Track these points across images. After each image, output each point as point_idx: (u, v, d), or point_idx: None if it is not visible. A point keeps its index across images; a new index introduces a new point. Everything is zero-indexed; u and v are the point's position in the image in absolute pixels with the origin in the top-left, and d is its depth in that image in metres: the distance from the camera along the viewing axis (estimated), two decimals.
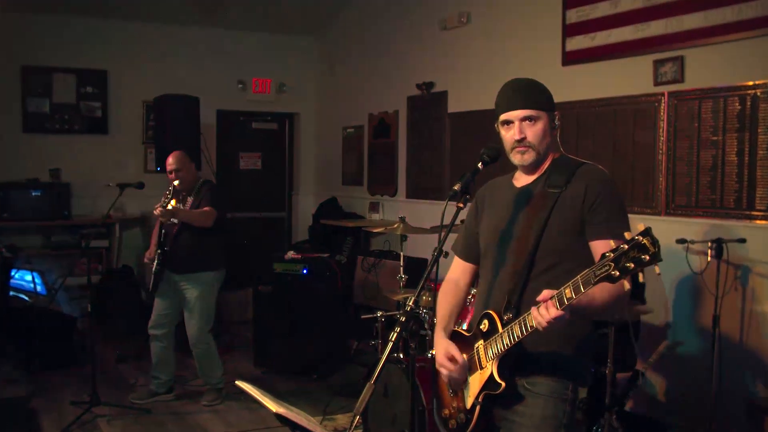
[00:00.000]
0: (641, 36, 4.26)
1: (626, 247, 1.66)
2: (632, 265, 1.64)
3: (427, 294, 4.01)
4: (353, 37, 7.31)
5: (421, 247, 5.42)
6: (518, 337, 1.98)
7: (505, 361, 2.07)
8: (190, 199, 4.65)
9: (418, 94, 6.19)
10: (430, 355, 3.65)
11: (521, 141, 2.15)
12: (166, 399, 4.77)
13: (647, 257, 1.62)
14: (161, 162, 6.24)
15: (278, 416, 1.84)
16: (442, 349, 2.21)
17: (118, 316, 6.26)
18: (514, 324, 2.00)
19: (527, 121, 2.14)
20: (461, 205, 2.09)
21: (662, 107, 4.14)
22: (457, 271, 2.44)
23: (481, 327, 2.15)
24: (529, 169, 2.21)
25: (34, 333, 5.42)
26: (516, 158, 2.18)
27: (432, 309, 3.78)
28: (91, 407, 4.37)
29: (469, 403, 2.16)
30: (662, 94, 4.15)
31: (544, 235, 2.09)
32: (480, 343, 2.14)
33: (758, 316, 3.73)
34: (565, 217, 2.09)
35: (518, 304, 2.08)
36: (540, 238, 2.09)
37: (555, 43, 4.79)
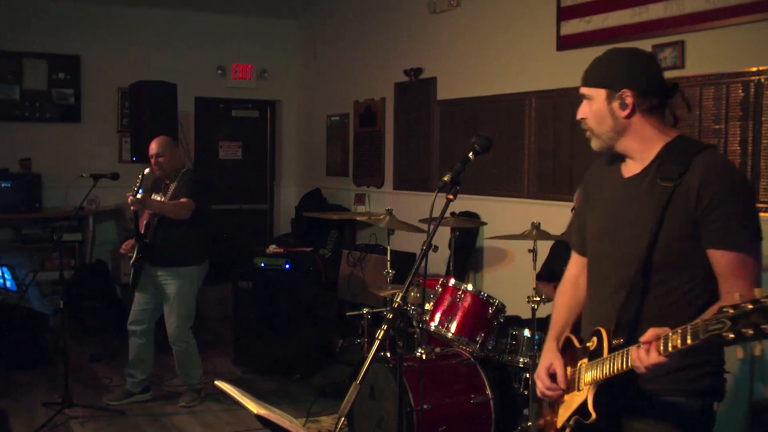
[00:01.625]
0: (639, 20, 4.17)
1: (750, 306, 1.34)
2: (751, 332, 1.34)
3: (415, 290, 3.94)
4: (338, 21, 7.19)
5: (409, 240, 5.35)
6: (618, 370, 1.72)
7: (603, 389, 1.81)
8: (172, 187, 4.51)
9: (406, 81, 6.09)
10: (419, 353, 3.54)
11: (582, 122, 1.93)
12: (142, 399, 4.66)
13: None
14: (137, 152, 6.16)
15: (259, 418, 1.81)
16: (547, 361, 2.01)
17: (92, 313, 6.21)
18: (618, 354, 1.73)
19: (586, 101, 1.90)
20: (451, 196, 2.01)
21: None
22: (575, 267, 2.14)
23: (588, 344, 1.89)
24: (634, 154, 1.88)
25: (4, 331, 5.30)
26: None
27: (420, 305, 3.70)
28: (63, 409, 4.29)
29: (559, 423, 1.95)
30: None
31: (658, 240, 1.76)
32: (584, 362, 1.88)
33: None
34: (681, 217, 1.75)
35: (632, 325, 1.79)
36: (653, 243, 1.76)
37: (549, 27, 4.69)
